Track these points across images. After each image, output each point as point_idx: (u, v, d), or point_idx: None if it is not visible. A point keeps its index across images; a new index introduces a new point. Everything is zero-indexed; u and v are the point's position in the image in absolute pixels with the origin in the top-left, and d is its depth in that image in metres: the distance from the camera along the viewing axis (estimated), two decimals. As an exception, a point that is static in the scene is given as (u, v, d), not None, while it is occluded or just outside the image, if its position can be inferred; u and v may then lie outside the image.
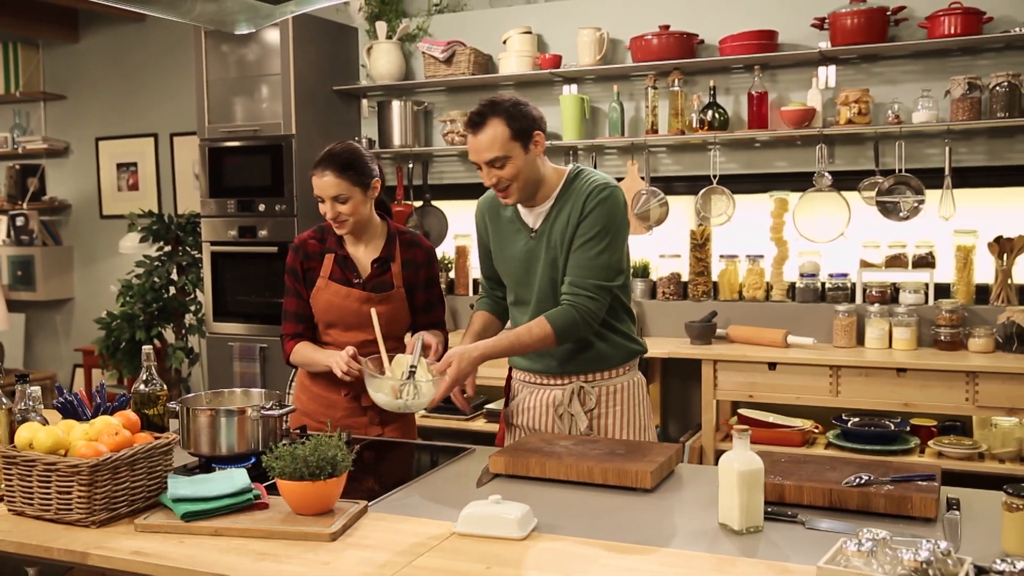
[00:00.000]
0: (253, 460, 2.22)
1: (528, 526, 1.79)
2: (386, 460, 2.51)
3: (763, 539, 1.76)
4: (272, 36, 4.75)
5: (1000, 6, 3.91)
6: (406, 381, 2.38)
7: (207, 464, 2.22)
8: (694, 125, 4.35)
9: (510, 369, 2.71)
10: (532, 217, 2.49)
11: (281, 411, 2.24)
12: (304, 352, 2.71)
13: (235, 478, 1.95)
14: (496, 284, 2.71)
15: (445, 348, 2.70)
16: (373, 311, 2.58)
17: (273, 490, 1.94)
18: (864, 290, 4.16)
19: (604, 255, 2.40)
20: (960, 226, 4.04)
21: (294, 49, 4.72)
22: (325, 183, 2.60)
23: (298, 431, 2.50)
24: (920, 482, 1.92)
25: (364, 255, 2.73)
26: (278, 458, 1.86)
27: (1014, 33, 3.80)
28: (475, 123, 2.35)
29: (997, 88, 3.82)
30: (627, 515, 1.92)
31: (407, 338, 2.74)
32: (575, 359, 2.51)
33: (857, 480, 1.91)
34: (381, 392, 2.41)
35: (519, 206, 2.50)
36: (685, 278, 4.57)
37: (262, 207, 4.81)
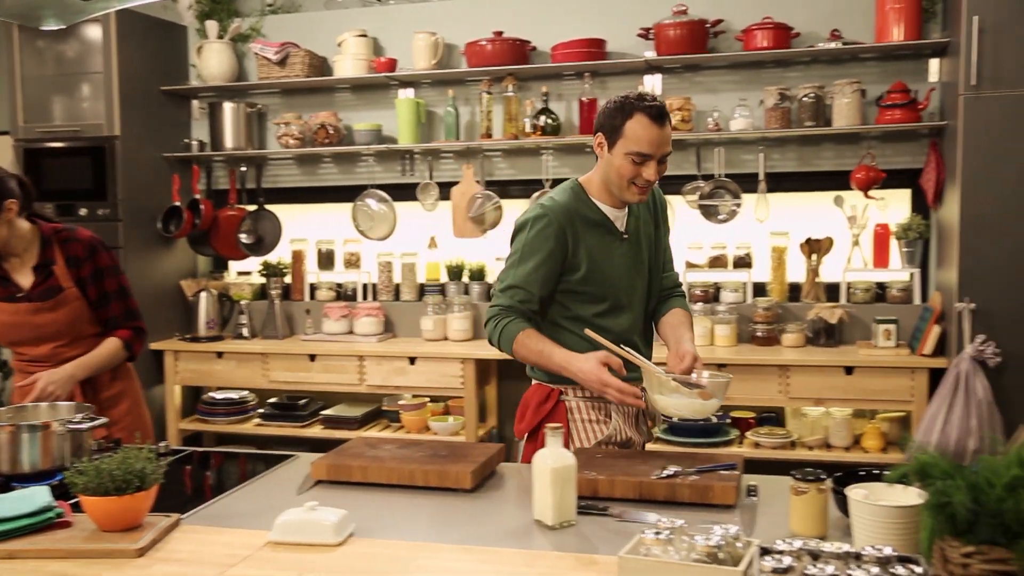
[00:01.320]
0: (60, 477, 2.12)
1: (345, 531, 1.78)
2: (206, 470, 2.44)
3: (575, 533, 1.82)
4: (93, 32, 4.54)
5: (807, 23, 4.17)
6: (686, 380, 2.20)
7: (6, 484, 2.10)
8: (527, 130, 4.44)
9: (557, 393, 2.43)
10: (618, 220, 2.40)
11: (90, 424, 2.15)
12: None
13: (35, 497, 1.85)
14: (539, 304, 2.35)
15: (131, 348, 2.74)
16: (589, 332, 2.29)
17: (80, 507, 1.86)
18: (688, 289, 4.34)
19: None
20: (774, 228, 4.29)
21: (118, 46, 4.52)
22: None
23: (111, 444, 2.40)
24: (722, 472, 2.02)
25: (23, 266, 2.66)
26: (81, 473, 1.78)
27: (818, 48, 4.06)
28: (662, 114, 2.24)
29: (804, 99, 4.08)
30: (447, 516, 1.94)
31: None
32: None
33: (665, 472, 2.00)
34: (676, 397, 2.16)
35: (603, 208, 2.36)
36: (521, 280, 4.64)
37: (83, 211, 4.59)
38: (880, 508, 1.56)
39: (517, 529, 1.85)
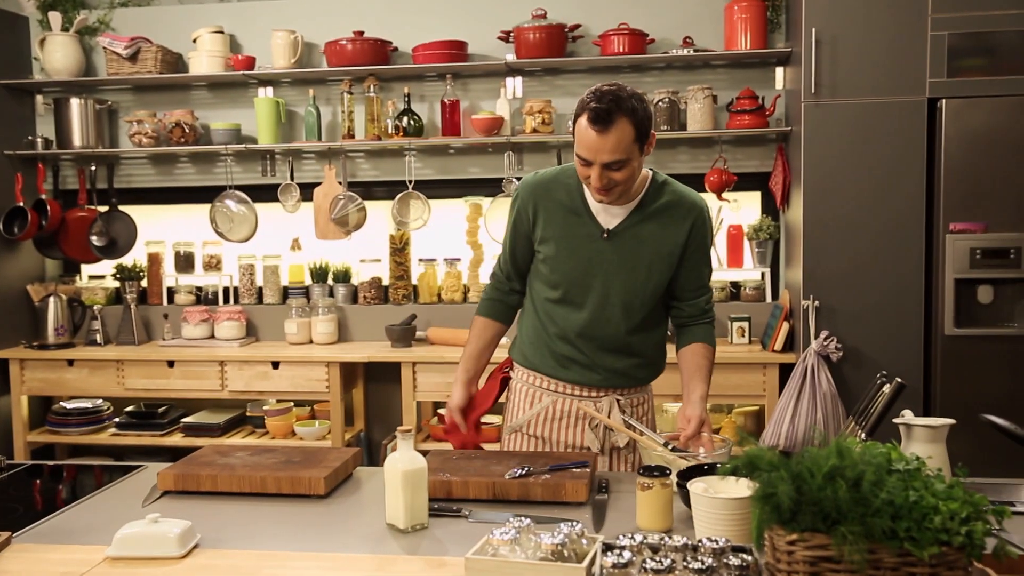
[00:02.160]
0: None
1: (189, 543, 1.73)
2: (44, 484, 2.33)
3: (427, 536, 1.82)
4: (-77, 22, 4.27)
5: (661, 29, 4.29)
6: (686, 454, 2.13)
7: None
8: (390, 131, 4.41)
9: (509, 369, 2.51)
10: (607, 216, 2.27)
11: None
12: None
13: None
14: (517, 278, 2.46)
15: None
16: (584, 407, 2.35)
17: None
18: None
19: (708, 269, 2.41)
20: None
21: (-49, 37, 4.27)
22: None
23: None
24: (574, 469, 2.06)
25: None
26: (-101, 493, 1.68)
27: (672, 54, 4.19)
28: (603, 120, 2.06)
29: (660, 103, 4.20)
30: (299, 523, 1.91)
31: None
32: (625, 375, 2.37)
33: (518, 472, 2.03)
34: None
35: (589, 199, 2.28)
36: (386, 282, 4.62)
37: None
38: (716, 500, 1.63)
39: (370, 534, 1.84)
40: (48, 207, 4.59)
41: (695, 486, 1.70)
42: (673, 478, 1.82)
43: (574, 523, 1.59)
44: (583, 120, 2.11)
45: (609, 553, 1.47)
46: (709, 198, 4.27)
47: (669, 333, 2.47)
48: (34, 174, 4.72)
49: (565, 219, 2.30)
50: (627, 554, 1.45)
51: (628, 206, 2.27)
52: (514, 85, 4.40)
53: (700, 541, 1.48)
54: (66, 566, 1.67)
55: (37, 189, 4.70)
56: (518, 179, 4.37)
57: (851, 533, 1.29)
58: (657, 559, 1.43)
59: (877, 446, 1.46)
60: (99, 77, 4.65)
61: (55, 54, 4.58)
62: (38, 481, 2.33)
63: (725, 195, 4.24)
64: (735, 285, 4.40)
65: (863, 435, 2.06)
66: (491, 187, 4.49)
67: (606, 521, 1.88)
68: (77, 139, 4.61)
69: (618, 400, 2.37)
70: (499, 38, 4.34)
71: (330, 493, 2.08)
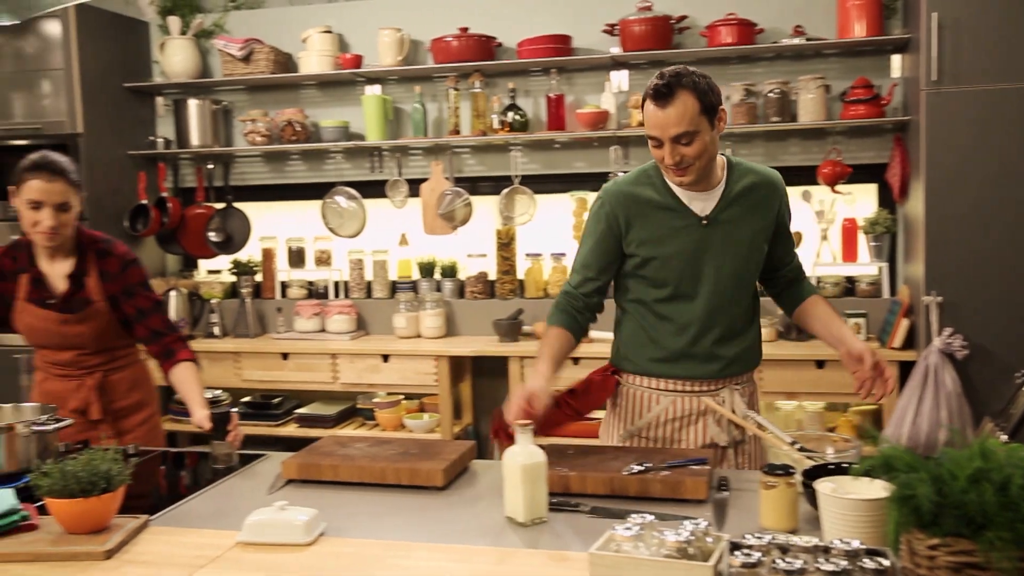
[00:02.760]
0: (26, 480, 2.09)
1: (315, 531, 1.77)
2: (175, 471, 2.42)
3: (547, 530, 1.82)
4: (52, 28, 4.47)
5: (771, 19, 4.19)
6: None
7: (-29, 487, 2.07)
8: (495, 126, 4.43)
9: (613, 373, 2.43)
10: (700, 204, 2.27)
11: (55, 426, 2.13)
12: None
13: (0, 500, 1.83)
14: (596, 292, 2.38)
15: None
16: (708, 402, 2.31)
17: (46, 510, 1.84)
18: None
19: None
20: (743, 223, 4.30)
21: (78, 42, 4.46)
22: (54, 189, 2.47)
23: (79, 445, 2.37)
24: (693, 466, 2.03)
25: (58, 271, 2.61)
26: (46, 475, 1.76)
27: (782, 44, 4.09)
28: (662, 94, 2.10)
29: (770, 94, 4.10)
30: (418, 514, 1.94)
31: None
32: (740, 360, 2.34)
33: (636, 468, 2.01)
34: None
35: (676, 191, 2.27)
36: (492, 277, 4.65)
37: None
38: (847, 501, 1.58)
39: (489, 526, 1.85)
40: (169, 204, 4.77)
41: (823, 486, 1.65)
42: (798, 477, 1.78)
43: (698, 521, 1.56)
44: (647, 102, 2.16)
45: (737, 552, 1.44)
46: (822, 191, 4.18)
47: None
48: (155, 173, 4.90)
49: (660, 216, 2.28)
50: (756, 554, 1.42)
51: (715, 191, 2.28)
52: (619, 79, 4.37)
53: (832, 543, 1.44)
54: (200, 549, 1.73)
55: (158, 187, 4.88)
56: (624, 172, 4.33)
57: (999, 539, 1.23)
58: (787, 560, 1.39)
59: (1021, 449, 1.39)
60: (215, 78, 4.80)
61: (174, 57, 4.75)
62: (165, 468, 2.43)
63: (839, 187, 4.12)
64: (850, 280, 4.27)
65: (1004, 437, 1.97)
66: (597, 181, 4.41)
67: (727, 520, 1.85)
68: (195, 138, 4.77)
69: (736, 389, 2.34)
70: (604, 31, 4.31)
71: (448, 485, 2.09)
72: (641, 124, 4.19)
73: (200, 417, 2.41)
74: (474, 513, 1.95)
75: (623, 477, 1.98)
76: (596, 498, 1.97)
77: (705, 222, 2.26)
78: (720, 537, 1.54)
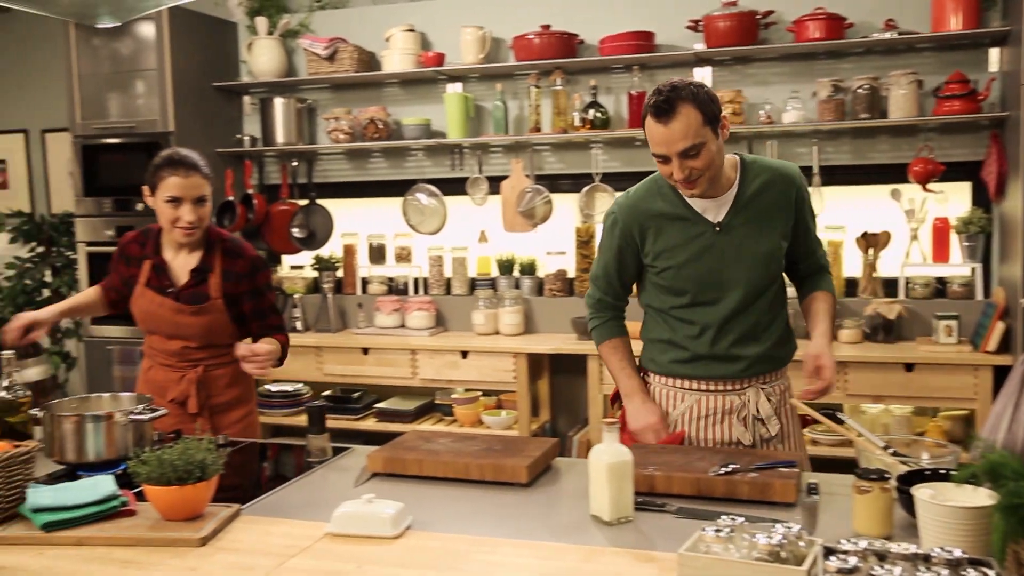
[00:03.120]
0: (123, 467, 2.16)
1: (402, 524, 1.79)
2: (264, 462, 2.47)
3: (632, 529, 1.81)
4: (147, 30, 4.61)
5: (860, 13, 4.09)
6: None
7: (73, 472, 2.15)
8: (576, 124, 4.42)
9: (643, 374, 2.46)
10: (713, 211, 2.26)
11: (151, 415, 2.19)
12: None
13: (100, 485, 1.89)
14: (623, 295, 2.47)
15: (284, 352, 2.72)
16: (795, 402, 2.34)
17: (144, 497, 1.89)
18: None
19: (815, 223, 2.42)
20: (829, 222, 4.21)
21: (170, 43, 4.59)
22: (192, 184, 2.55)
23: (172, 435, 2.44)
24: (782, 469, 2.00)
25: (182, 263, 2.67)
26: (144, 463, 1.81)
27: (873, 39, 3.98)
28: (663, 110, 2.10)
29: (859, 90, 4.00)
30: (502, 510, 1.94)
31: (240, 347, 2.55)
32: (767, 359, 2.33)
33: (723, 469, 1.98)
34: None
35: (688, 200, 2.27)
36: (571, 274, 4.64)
37: (140, 206, 4.65)
38: (950, 509, 1.53)
39: (573, 524, 1.85)
40: (254, 201, 4.87)
41: (922, 492, 1.60)
42: (893, 482, 1.73)
43: (790, 524, 1.53)
44: (649, 119, 2.15)
45: (832, 557, 1.41)
46: (913, 189, 4.06)
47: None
48: (242, 170, 5.01)
49: (674, 227, 2.29)
50: (853, 559, 1.39)
51: (727, 196, 2.27)
52: (703, 75, 4.31)
53: (932, 551, 1.40)
54: (290, 539, 1.76)
55: (244, 184, 4.99)
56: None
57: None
58: (885, 567, 1.36)
59: None
60: (300, 77, 4.89)
61: (261, 57, 4.85)
62: (252, 458, 2.48)
63: (930, 186, 3.99)
64: (941, 281, 4.14)
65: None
66: (678, 179, 4.41)
67: (818, 524, 1.81)
68: (280, 136, 4.87)
69: (763, 389, 2.32)
70: (687, 27, 4.26)
71: (532, 482, 2.09)
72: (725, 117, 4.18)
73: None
74: (558, 510, 1.95)
75: (710, 478, 1.95)
76: (681, 498, 1.94)
77: (718, 228, 2.26)
78: (813, 541, 1.51)
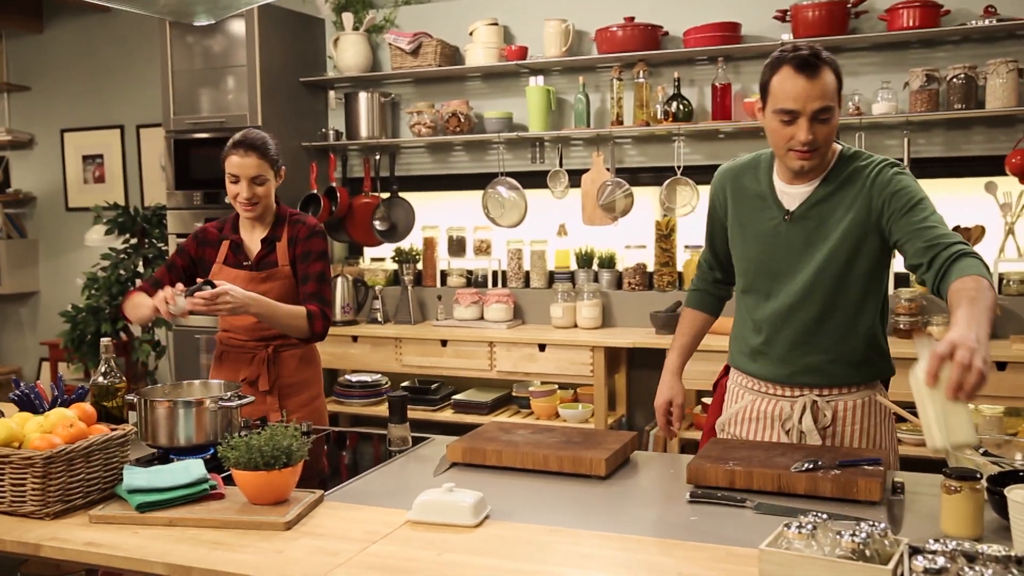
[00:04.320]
0: (211, 451, 2.22)
1: (481, 513, 1.81)
2: (345, 449, 2.53)
3: (712, 523, 1.79)
4: (238, 27, 4.73)
5: (957, -1, 3.97)
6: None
7: (165, 456, 2.23)
8: (659, 116, 4.38)
9: (726, 369, 2.45)
10: (789, 197, 2.15)
11: (239, 402, 2.25)
12: (134, 298, 2.66)
13: (191, 469, 1.95)
14: (718, 266, 2.42)
15: (312, 323, 2.63)
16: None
17: (231, 481, 1.95)
18: (826, 280, 4.21)
19: (937, 214, 2.05)
20: (919, 216, 4.09)
21: (260, 40, 4.70)
22: (248, 163, 2.66)
23: (257, 421, 2.51)
24: (866, 467, 1.95)
25: (255, 238, 2.79)
26: (233, 448, 1.87)
27: (970, 26, 3.85)
28: (810, 64, 1.99)
29: (954, 80, 3.88)
30: (581, 502, 1.94)
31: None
32: (819, 371, 2.19)
33: (806, 465, 1.95)
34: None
35: (776, 180, 2.18)
36: (651, 268, 4.61)
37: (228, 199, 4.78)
38: (1044, 510, 1.48)
39: (652, 517, 1.84)
40: (338, 194, 4.96)
41: (1016, 494, 1.55)
42: (984, 483, 1.68)
43: (875, 522, 1.50)
44: (787, 70, 2.01)
45: (919, 557, 1.38)
46: (1009, 182, 3.91)
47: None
48: (326, 163, 5.11)
49: (751, 204, 2.22)
50: (941, 560, 1.35)
51: (811, 184, 2.14)
52: (789, 66, 4.22)
53: (1026, 553, 1.35)
54: (372, 525, 1.80)
55: (328, 177, 5.09)
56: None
57: None
58: (976, 569, 1.32)
59: None
60: (384, 72, 4.95)
61: (346, 52, 4.93)
62: (331, 446, 2.54)
63: (1028, 179, 3.85)
64: (1038, 278, 3.99)
65: None
66: (762, 172, 4.34)
67: (903, 524, 1.76)
68: (364, 130, 4.94)
69: (815, 402, 2.19)
70: (775, 17, 4.19)
71: (610, 475, 2.09)
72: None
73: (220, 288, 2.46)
74: (637, 503, 1.95)
75: (791, 474, 1.92)
76: (762, 494, 1.92)
77: (787, 217, 2.15)
78: (899, 541, 1.48)
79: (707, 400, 4.22)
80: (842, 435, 2.20)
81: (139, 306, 2.61)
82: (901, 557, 1.42)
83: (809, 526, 1.51)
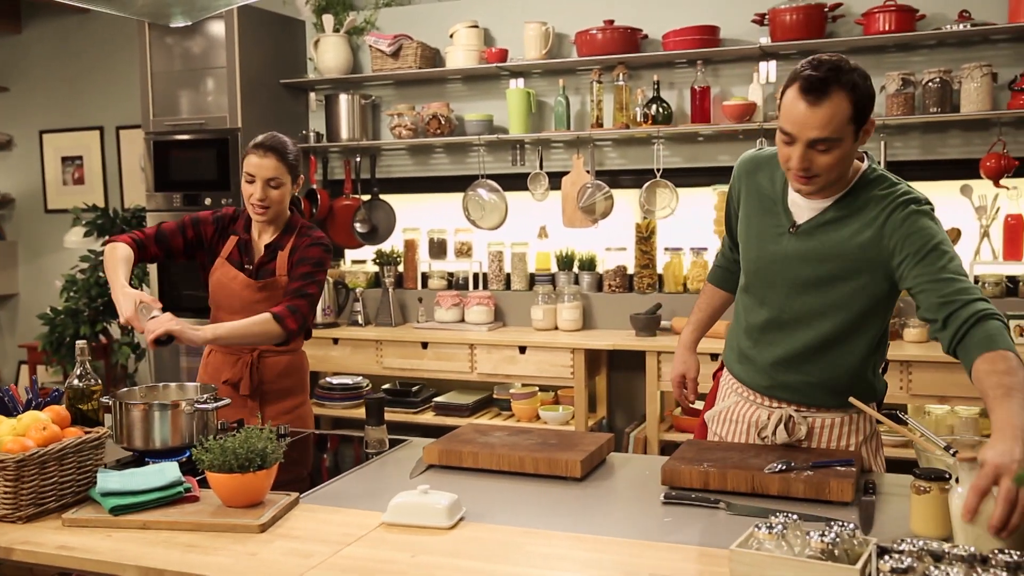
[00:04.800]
0: (187, 454, 2.22)
1: (456, 515, 1.81)
2: (322, 452, 2.52)
3: (684, 524, 1.80)
4: (217, 28, 4.72)
5: (932, 4, 4.00)
6: None
7: (140, 459, 2.22)
8: (638, 119, 4.40)
9: (722, 365, 2.41)
10: (800, 209, 2.06)
11: (215, 405, 2.24)
12: (114, 256, 2.57)
13: (166, 472, 1.95)
14: (735, 248, 2.33)
15: (279, 324, 2.54)
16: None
17: (206, 483, 1.95)
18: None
19: (956, 261, 1.91)
20: (896, 219, 4.12)
21: (240, 42, 4.69)
22: (266, 165, 2.65)
23: (234, 424, 2.50)
24: (839, 468, 1.97)
25: (262, 242, 2.78)
26: (207, 451, 1.86)
27: (946, 30, 3.89)
28: (817, 89, 1.85)
29: (930, 84, 3.91)
30: (556, 503, 1.95)
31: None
32: (797, 391, 2.15)
33: (779, 467, 1.96)
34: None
35: (791, 188, 2.06)
36: (631, 271, 4.62)
37: (208, 200, 4.77)
38: (1009, 510, 1.49)
39: (626, 519, 1.85)
40: (318, 196, 4.95)
41: (956, 492, 1.56)
42: (953, 483, 1.69)
43: (845, 523, 1.51)
44: (793, 90, 1.89)
45: (887, 557, 1.39)
46: (984, 185, 3.95)
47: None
48: (307, 166, 5.10)
49: (760, 205, 2.14)
50: (908, 560, 1.37)
51: (827, 200, 2.02)
52: (767, 69, 4.26)
53: (993, 553, 1.37)
54: (347, 527, 1.80)
55: (309, 179, 5.08)
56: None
57: None
58: (942, 568, 1.33)
59: None
60: (364, 74, 4.95)
61: (327, 54, 4.93)
62: (311, 449, 2.53)
63: (1003, 182, 3.89)
64: (1012, 280, 4.03)
65: None
66: (741, 175, 4.36)
67: (875, 524, 1.78)
68: (344, 132, 4.94)
69: (791, 417, 2.15)
70: (753, 21, 4.22)
71: (586, 476, 2.10)
72: (872, 121, 4.12)
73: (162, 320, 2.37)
74: (611, 504, 1.95)
75: (764, 475, 1.93)
76: (735, 495, 1.93)
77: (793, 229, 2.06)
78: (868, 541, 1.49)
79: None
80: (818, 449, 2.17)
81: (109, 277, 2.53)
82: (869, 557, 1.44)
83: (779, 527, 1.52)
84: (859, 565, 1.41)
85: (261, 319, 2.57)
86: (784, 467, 1.96)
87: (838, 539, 1.47)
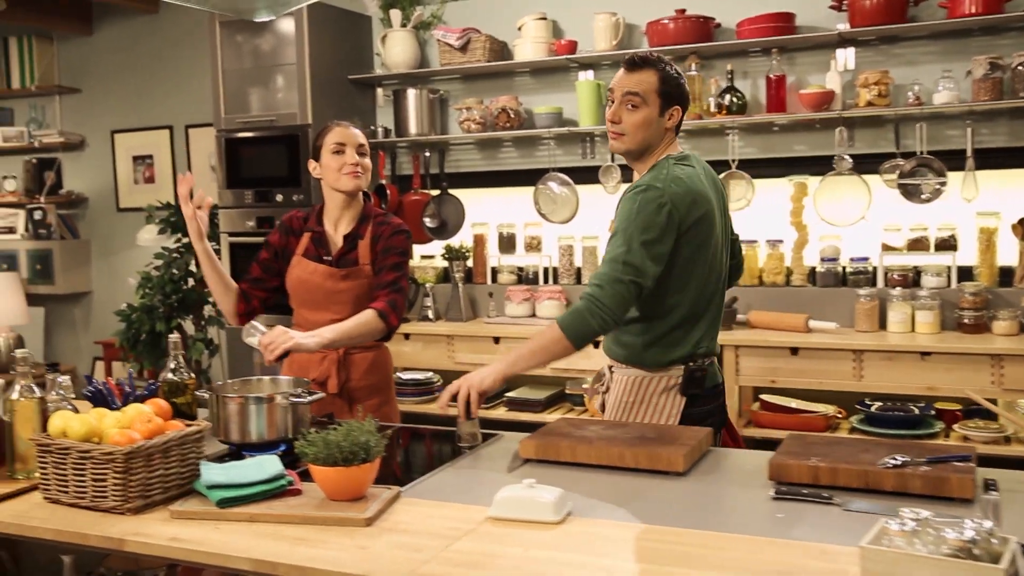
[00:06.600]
0: (283, 447, 2.22)
1: (563, 510, 1.78)
2: (414, 446, 2.51)
3: (798, 521, 1.75)
4: (287, 25, 4.74)
5: (1023, -16, 3.87)
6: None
7: (237, 452, 2.22)
8: (712, 110, 4.33)
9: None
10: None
11: (310, 398, 2.24)
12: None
13: (266, 465, 1.94)
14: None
15: (384, 321, 2.64)
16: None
17: (304, 476, 1.94)
18: (886, 274, 4.13)
19: (620, 248, 2.32)
20: (983, 208, 4.01)
21: (309, 38, 4.71)
22: (353, 133, 2.75)
23: (324, 418, 2.50)
24: (957, 463, 1.90)
25: (339, 232, 2.79)
26: (311, 444, 1.85)
27: (1037, 12, 3.76)
28: (633, 63, 2.36)
29: (1019, 67, 3.79)
30: (661, 498, 1.91)
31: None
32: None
33: (892, 461, 1.90)
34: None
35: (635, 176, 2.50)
36: (704, 264, 4.54)
37: (279, 197, 4.81)
38: None
39: (733, 514, 1.81)
40: (388, 191, 4.96)
41: None
42: None
43: (981, 520, 1.45)
44: (620, 69, 2.39)
45: (1034, 556, 1.33)
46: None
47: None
48: (375, 161, 5.10)
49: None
50: (1057, 559, 1.30)
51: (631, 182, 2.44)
52: (846, 56, 4.15)
53: None
54: (453, 522, 1.77)
55: (378, 175, 5.08)
56: (849, 156, 4.13)
57: None
58: (1095, 568, 1.27)
59: None
60: (432, 68, 4.94)
61: (394, 49, 4.92)
62: (391, 444, 2.52)
63: (1097, 169, 3.75)
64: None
65: None
66: (818, 165, 4.27)
67: (1002, 523, 1.71)
68: (412, 127, 4.93)
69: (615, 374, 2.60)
70: (831, 7, 4.12)
71: (688, 471, 2.05)
72: (870, 104, 4.03)
73: (293, 336, 2.47)
74: (717, 500, 1.91)
75: (879, 471, 1.87)
76: (847, 491, 1.87)
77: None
78: (1007, 539, 1.43)
79: (765, 397, 4.16)
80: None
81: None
82: (1013, 556, 1.37)
83: (911, 523, 1.46)
84: (1003, 564, 1.35)
85: (366, 317, 2.60)
86: (898, 462, 1.89)
87: (977, 537, 1.40)
